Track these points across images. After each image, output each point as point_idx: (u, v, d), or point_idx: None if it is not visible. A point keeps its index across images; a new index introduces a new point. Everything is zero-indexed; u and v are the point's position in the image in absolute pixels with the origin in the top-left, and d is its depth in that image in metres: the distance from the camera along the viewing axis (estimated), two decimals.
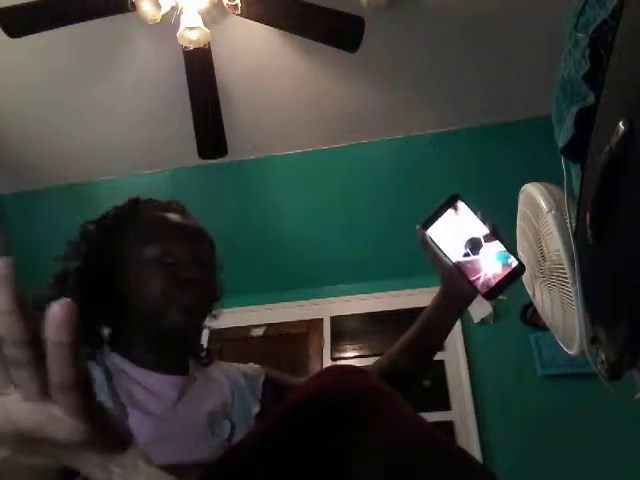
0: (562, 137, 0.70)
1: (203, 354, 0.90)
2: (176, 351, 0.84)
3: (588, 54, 0.59)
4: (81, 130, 2.49)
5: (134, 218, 0.86)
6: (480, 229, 0.83)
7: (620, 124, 0.46)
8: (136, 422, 0.71)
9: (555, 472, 2.09)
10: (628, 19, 0.46)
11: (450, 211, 0.84)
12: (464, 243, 0.82)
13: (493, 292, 0.81)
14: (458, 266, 0.82)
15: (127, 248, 0.82)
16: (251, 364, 0.94)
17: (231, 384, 0.86)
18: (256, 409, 0.84)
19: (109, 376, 0.74)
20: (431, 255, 0.85)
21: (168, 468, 0.68)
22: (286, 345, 2.72)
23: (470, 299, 0.85)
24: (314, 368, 2.60)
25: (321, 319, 2.80)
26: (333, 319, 2.78)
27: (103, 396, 0.71)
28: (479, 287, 0.81)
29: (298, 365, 2.62)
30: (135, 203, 0.90)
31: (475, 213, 0.84)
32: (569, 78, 0.65)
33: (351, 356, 2.63)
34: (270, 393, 0.88)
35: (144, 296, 0.79)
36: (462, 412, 2.34)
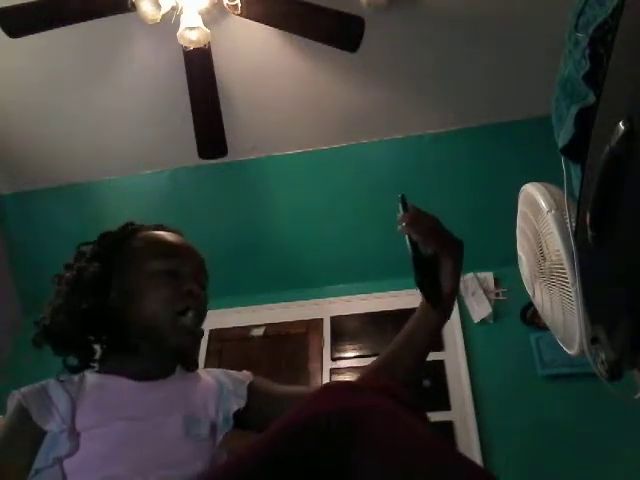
0: (562, 137, 0.70)
1: (191, 363, 0.93)
2: (160, 360, 0.86)
3: (588, 54, 0.59)
4: (81, 130, 2.49)
5: (132, 236, 0.91)
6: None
7: (620, 124, 0.46)
8: (105, 429, 0.74)
9: (555, 472, 2.09)
10: (628, 19, 0.46)
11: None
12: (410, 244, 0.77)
13: (428, 295, 0.74)
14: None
15: (128, 262, 0.86)
16: (244, 371, 0.96)
17: (217, 386, 0.89)
18: (235, 407, 0.85)
19: (73, 400, 0.77)
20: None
21: (143, 470, 0.70)
22: (286, 345, 2.72)
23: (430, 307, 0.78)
24: (314, 368, 2.60)
25: (321, 319, 2.80)
26: (333, 319, 2.78)
27: (58, 417, 0.73)
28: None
29: (298, 365, 2.62)
30: (130, 224, 0.95)
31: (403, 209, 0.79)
32: (569, 78, 0.65)
33: (351, 356, 2.63)
34: (255, 396, 0.89)
35: (146, 308, 0.82)
36: (462, 412, 2.34)
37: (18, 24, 1.66)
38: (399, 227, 0.78)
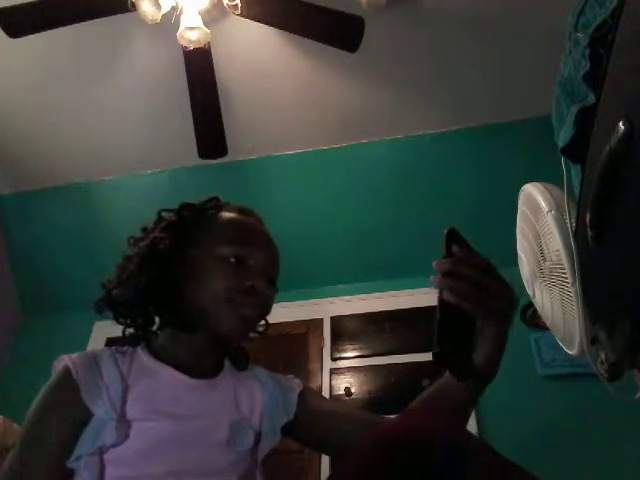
0: (562, 137, 0.70)
1: (242, 359, 0.88)
2: (214, 351, 0.83)
3: (588, 54, 0.59)
4: (81, 130, 2.49)
5: (213, 213, 0.88)
6: None
7: (620, 124, 0.46)
8: (152, 424, 0.71)
9: (555, 472, 2.08)
10: (628, 19, 0.46)
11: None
12: None
13: (449, 367, 0.61)
14: None
15: (201, 239, 0.83)
16: (291, 376, 0.91)
17: (265, 393, 0.84)
18: (284, 420, 0.81)
19: (125, 382, 0.73)
20: None
21: (179, 474, 0.68)
22: (286, 345, 2.71)
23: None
24: (314, 368, 2.60)
25: (321, 319, 2.79)
26: (333, 319, 2.78)
27: (106, 398, 0.69)
28: None
29: (298, 365, 2.61)
30: (214, 199, 0.92)
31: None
32: (569, 78, 0.65)
33: (351, 356, 2.63)
34: (305, 408, 0.84)
35: (204, 290, 0.78)
36: None
37: (18, 24, 1.66)
38: (433, 277, 0.61)
